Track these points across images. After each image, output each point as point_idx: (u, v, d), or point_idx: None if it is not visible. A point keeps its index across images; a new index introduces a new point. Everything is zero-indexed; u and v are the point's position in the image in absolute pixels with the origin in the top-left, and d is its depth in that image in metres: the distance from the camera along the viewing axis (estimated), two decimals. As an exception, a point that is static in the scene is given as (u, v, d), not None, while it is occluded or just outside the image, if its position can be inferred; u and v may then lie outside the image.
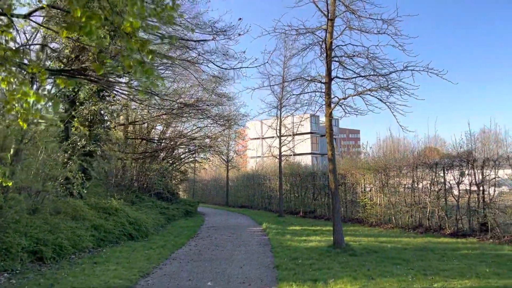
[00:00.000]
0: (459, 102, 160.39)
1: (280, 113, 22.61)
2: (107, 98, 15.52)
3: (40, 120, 5.20)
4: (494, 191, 13.26)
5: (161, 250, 11.20)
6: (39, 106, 4.05)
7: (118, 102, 16.83)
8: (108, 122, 16.94)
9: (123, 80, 10.82)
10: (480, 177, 13.49)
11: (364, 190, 18.90)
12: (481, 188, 13.42)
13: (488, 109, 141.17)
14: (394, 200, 16.61)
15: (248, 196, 30.74)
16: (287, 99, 21.70)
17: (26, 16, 5.03)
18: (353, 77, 10.58)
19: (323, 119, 52.39)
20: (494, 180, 13.25)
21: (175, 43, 10.76)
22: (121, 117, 20.98)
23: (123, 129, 21.34)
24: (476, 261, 8.94)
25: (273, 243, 12.33)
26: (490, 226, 12.83)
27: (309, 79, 11.06)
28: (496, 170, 13.31)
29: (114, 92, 13.04)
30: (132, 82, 10.90)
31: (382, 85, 9.77)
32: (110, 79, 9.73)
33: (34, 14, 5.77)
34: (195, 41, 11.80)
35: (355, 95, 10.36)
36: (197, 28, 11.34)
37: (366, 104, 10.38)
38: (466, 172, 14.04)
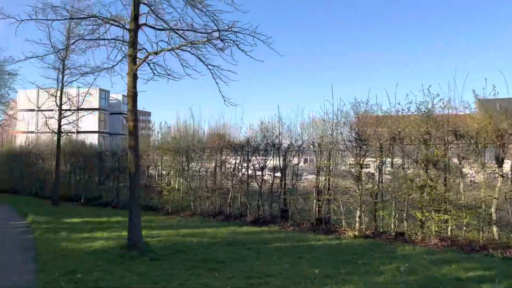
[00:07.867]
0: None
1: (63, 77, 18.00)
2: None
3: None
4: (297, 176, 13.03)
5: None
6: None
7: None
8: None
9: None
10: (283, 163, 13.10)
11: (161, 174, 16.75)
12: (283, 173, 13.05)
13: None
14: (195, 185, 15.05)
15: (13, 179, 24.52)
16: (71, 59, 17.49)
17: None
18: (167, 29, 8.12)
19: (114, 95, 47.38)
20: (297, 166, 13.02)
21: None
22: None
23: None
24: (295, 258, 7.89)
25: (39, 247, 8.89)
26: (291, 213, 12.49)
27: (109, 17, 8.03)
28: (300, 157, 13.16)
29: None
30: None
31: (210, 38, 7.61)
32: None
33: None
34: None
35: (170, 50, 7.91)
36: None
37: (183, 65, 8.10)
38: (270, 158, 13.57)
